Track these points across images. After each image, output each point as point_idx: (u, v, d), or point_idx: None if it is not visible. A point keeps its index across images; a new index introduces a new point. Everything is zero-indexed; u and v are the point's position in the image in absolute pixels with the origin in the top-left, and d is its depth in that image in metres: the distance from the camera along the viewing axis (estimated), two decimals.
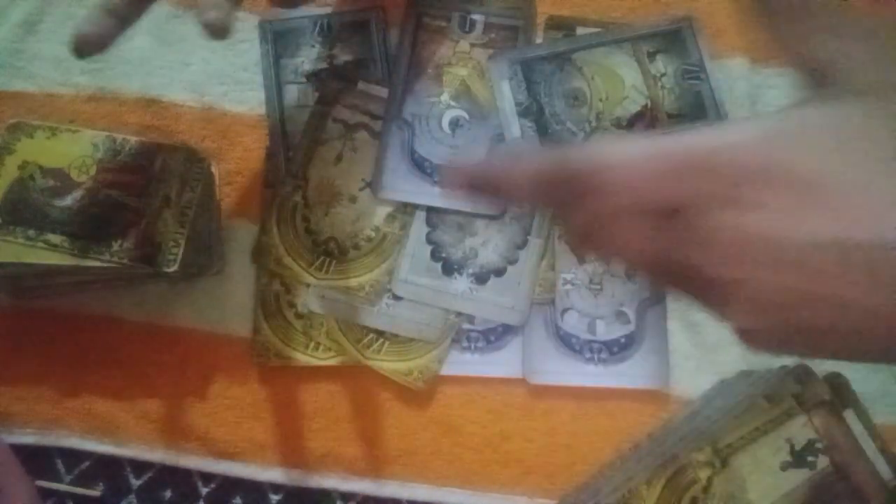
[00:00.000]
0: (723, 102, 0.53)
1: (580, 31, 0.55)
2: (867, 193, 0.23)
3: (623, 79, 0.54)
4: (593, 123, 0.53)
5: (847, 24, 0.27)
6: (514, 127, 0.51)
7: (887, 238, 0.22)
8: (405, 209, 0.52)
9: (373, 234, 0.51)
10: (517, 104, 0.52)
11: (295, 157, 0.52)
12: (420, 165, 0.52)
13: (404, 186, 0.52)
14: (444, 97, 0.53)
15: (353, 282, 0.50)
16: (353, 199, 0.52)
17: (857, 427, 0.45)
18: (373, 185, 0.52)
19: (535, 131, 0.52)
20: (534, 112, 0.52)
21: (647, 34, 0.54)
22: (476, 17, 0.55)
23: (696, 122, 0.53)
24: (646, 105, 0.53)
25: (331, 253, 0.51)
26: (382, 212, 0.52)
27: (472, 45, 0.54)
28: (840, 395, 0.45)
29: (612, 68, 0.54)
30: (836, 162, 0.23)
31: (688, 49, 0.54)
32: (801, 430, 0.45)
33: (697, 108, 0.53)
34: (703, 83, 0.53)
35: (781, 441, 0.45)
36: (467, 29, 0.55)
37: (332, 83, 0.53)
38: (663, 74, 0.54)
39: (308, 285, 0.50)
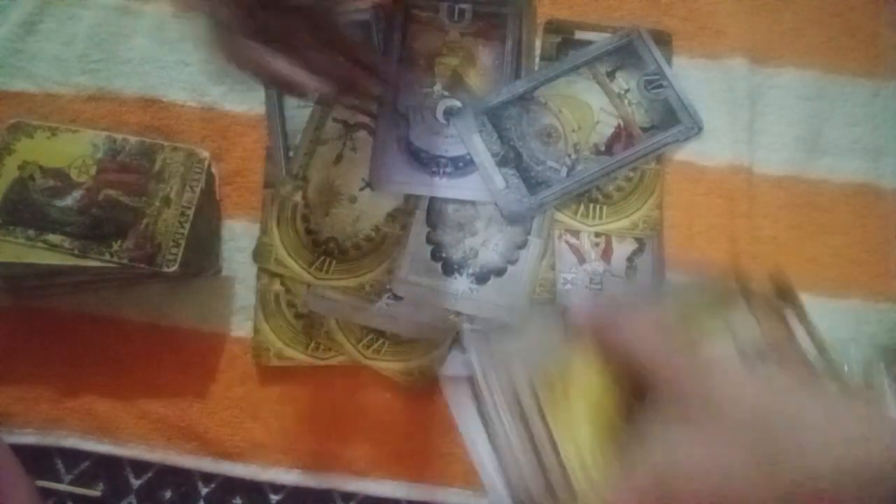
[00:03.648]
0: (690, 102, 0.53)
1: (578, 34, 0.55)
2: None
3: (590, 105, 0.54)
4: (573, 156, 0.52)
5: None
6: (497, 178, 0.51)
7: None
8: (405, 209, 0.52)
9: (373, 234, 0.51)
10: (493, 155, 0.51)
11: (295, 157, 0.52)
12: (417, 156, 0.52)
13: (402, 178, 0.52)
14: (437, 87, 0.53)
15: (354, 282, 0.50)
16: (352, 199, 0.52)
17: (799, 331, 0.43)
18: (371, 179, 0.52)
19: (518, 177, 0.51)
20: (512, 159, 0.51)
21: (600, 54, 0.54)
22: (464, 6, 0.55)
23: (670, 130, 0.53)
24: (618, 125, 0.53)
25: (331, 253, 0.51)
26: (382, 212, 0.52)
27: (462, 33, 0.54)
28: (783, 294, 0.43)
29: (577, 97, 0.54)
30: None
31: (643, 59, 0.54)
32: (743, 324, 0.44)
33: (668, 115, 0.53)
34: (667, 89, 0.53)
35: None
36: (456, 18, 0.55)
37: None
38: (627, 90, 0.54)
39: (308, 285, 0.50)
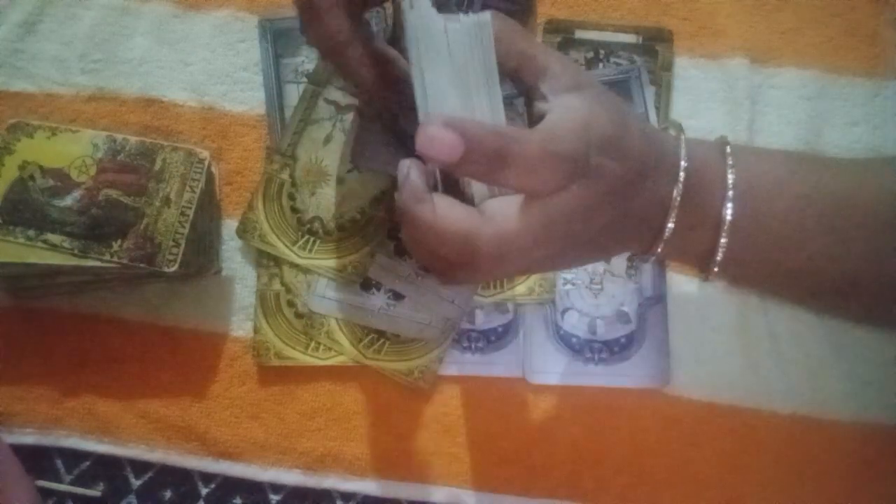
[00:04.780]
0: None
1: (578, 34, 0.55)
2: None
3: None
4: None
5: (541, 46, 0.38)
6: None
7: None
8: (392, 193, 0.51)
9: (358, 216, 0.51)
10: None
11: (284, 135, 0.52)
12: (401, 139, 0.51)
13: (383, 160, 0.51)
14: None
15: (337, 262, 0.50)
16: (340, 181, 0.52)
17: None
18: (353, 157, 0.51)
19: None
20: None
21: None
22: None
23: None
24: None
25: (315, 232, 0.51)
26: (369, 195, 0.51)
27: None
28: None
29: None
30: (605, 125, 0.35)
31: (634, 100, 0.54)
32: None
33: None
34: None
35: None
36: (464, 9, 0.54)
37: (323, 63, 0.53)
38: None
39: (294, 265, 0.50)
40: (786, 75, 0.55)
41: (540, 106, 0.36)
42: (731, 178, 0.38)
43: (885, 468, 0.48)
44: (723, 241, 0.38)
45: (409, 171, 0.35)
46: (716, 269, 0.39)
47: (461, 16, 0.36)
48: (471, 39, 0.36)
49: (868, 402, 0.49)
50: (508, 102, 0.38)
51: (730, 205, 0.38)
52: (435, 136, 0.32)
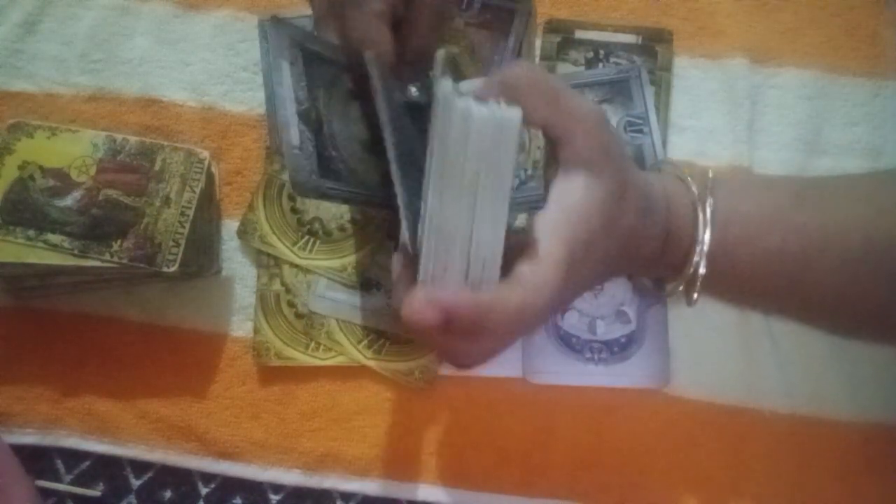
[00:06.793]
0: (664, 156, 0.52)
1: (578, 34, 0.55)
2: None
3: None
4: (529, 171, 0.51)
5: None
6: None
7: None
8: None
9: (358, 216, 0.51)
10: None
11: None
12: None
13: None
14: (431, 74, 0.52)
15: (336, 263, 0.50)
16: None
17: None
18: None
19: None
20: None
21: (594, 82, 0.53)
22: None
23: None
24: None
25: (315, 233, 0.51)
26: None
27: (467, 23, 0.54)
28: None
29: None
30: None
31: (633, 100, 0.53)
32: None
33: (638, 162, 0.51)
34: (646, 136, 0.52)
35: None
36: (464, 7, 0.54)
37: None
38: None
39: (294, 265, 0.50)
40: (786, 75, 0.55)
41: (551, 176, 0.38)
42: (707, 236, 0.39)
43: (885, 468, 0.48)
44: (698, 287, 0.40)
45: (398, 283, 0.36)
46: (695, 296, 0.41)
47: (491, 104, 0.32)
48: (492, 138, 0.32)
49: (868, 402, 0.49)
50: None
51: (702, 260, 0.39)
52: (417, 311, 0.34)
